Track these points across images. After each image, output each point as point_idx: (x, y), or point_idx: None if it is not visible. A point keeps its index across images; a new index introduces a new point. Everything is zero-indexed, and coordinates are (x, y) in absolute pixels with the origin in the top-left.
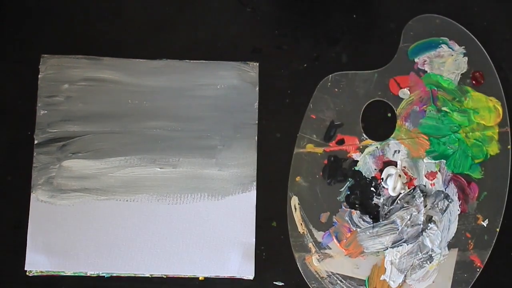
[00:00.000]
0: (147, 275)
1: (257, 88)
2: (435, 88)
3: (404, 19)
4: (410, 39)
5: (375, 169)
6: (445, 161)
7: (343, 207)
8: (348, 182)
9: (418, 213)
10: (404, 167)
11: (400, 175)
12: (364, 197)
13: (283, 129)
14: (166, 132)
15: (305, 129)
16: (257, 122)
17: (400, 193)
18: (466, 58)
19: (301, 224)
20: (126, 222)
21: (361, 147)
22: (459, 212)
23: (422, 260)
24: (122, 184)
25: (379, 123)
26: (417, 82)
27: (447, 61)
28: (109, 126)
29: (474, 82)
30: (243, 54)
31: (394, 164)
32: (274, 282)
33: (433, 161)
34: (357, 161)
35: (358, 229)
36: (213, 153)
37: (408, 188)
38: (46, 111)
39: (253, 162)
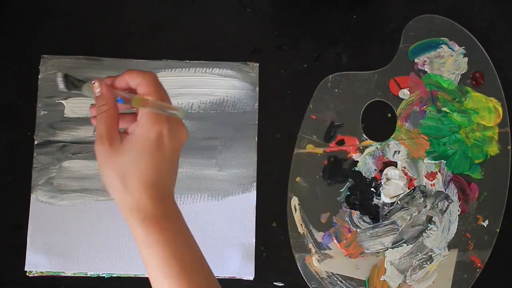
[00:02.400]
0: (147, 275)
1: (257, 89)
2: (435, 89)
3: (404, 20)
4: (410, 39)
5: (375, 170)
6: (445, 161)
7: (343, 207)
8: (348, 183)
9: (418, 213)
10: (404, 167)
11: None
12: (364, 197)
13: (283, 129)
14: None
15: (305, 129)
16: (257, 122)
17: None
18: (466, 58)
19: (301, 224)
20: (126, 222)
21: (361, 147)
22: (459, 213)
23: (422, 260)
24: None
25: (379, 123)
26: (417, 83)
27: (447, 61)
28: None
29: (474, 82)
30: (243, 54)
31: (394, 164)
32: (274, 283)
33: (433, 161)
34: (357, 161)
35: (358, 230)
36: (213, 153)
37: (408, 189)
38: (46, 112)
39: (253, 162)
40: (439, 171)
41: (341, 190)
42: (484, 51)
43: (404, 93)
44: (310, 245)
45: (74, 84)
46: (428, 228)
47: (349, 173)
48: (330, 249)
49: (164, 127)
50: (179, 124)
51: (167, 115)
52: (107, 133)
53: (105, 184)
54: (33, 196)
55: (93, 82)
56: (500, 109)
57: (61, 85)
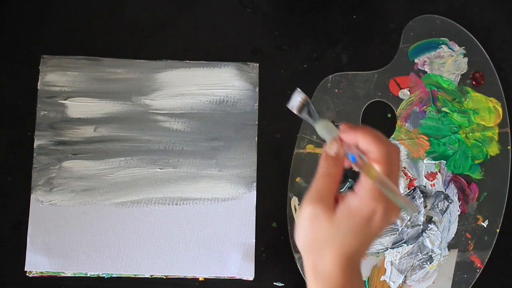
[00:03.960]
0: (147, 275)
1: (257, 89)
2: (435, 89)
3: (404, 20)
4: (410, 39)
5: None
6: (445, 161)
7: None
8: (348, 183)
9: (418, 213)
10: (404, 167)
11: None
12: None
13: (283, 129)
14: (166, 132)
15: (305, 129)
16: (257, 122)
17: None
18: (466, 58)
19: None
20: (126, 222)
21: None
22: (459, 213)
23: (422, 260)
24: (123, 184)
25: (379, 123)
26: (417, 83)
27: (447, 61)
28: (109, 127)
29: (474, 82)
30: (243, 55)
31: None
32: (274, 283)
33: (433, 161)
34: None
35: None
36: (213, 153)
37: (408, 189)
38: (46, 112)
39: (253, 162)
40: (439, 171)
41: (341, 190)
42: (484, 51)
43: (404, 93)
44: None
45: (310, 114)
46: (428, 228)
47: (349, 173)
48: None
49: (380, 207)
50: (394, 205)
51: (394, 201)
52: (324, 198)
53: (297, 240)
54: (33, 196)
55: (332, 138)
56: (500, 109)
57: (296, 105)
